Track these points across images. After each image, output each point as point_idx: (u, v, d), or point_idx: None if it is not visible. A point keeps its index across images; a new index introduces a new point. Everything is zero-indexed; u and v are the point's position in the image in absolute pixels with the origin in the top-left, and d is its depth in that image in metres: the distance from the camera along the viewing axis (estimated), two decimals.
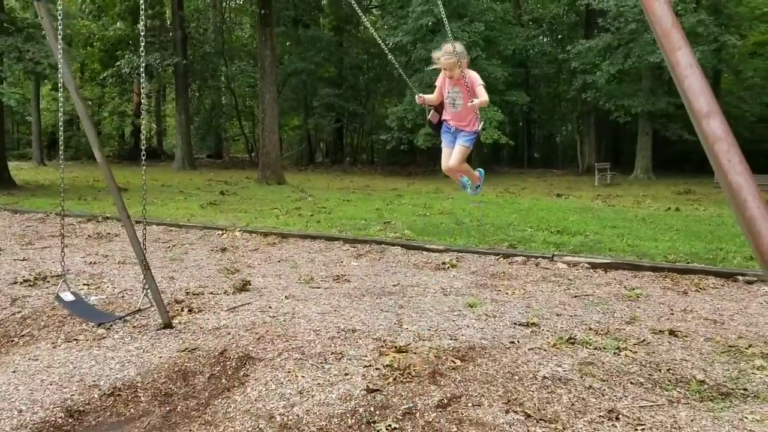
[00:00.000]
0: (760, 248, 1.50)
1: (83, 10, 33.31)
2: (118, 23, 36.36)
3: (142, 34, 4.46)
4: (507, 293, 6.15)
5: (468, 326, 5.00)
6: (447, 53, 4.45)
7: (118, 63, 30.95)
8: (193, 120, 37.10)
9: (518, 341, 4.61)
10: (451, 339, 4.67)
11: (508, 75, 27.08)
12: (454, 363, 4.15)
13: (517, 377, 3.90)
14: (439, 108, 4.80)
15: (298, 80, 36.06)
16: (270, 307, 5.48)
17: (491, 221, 11.27)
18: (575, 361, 4.18)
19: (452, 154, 4.72)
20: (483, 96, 4.44)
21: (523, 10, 37.47)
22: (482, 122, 4.75)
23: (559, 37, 37.41)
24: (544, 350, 4.40)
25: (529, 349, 4.42)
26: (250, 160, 38.87)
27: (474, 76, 4.53)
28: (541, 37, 35.60)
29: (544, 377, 3.89)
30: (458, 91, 4.57)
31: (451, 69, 4.51)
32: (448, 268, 7.39)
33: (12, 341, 4.71)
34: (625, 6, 22.21)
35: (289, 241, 9.23)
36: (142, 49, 4.43)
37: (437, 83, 4.74)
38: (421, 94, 4.68)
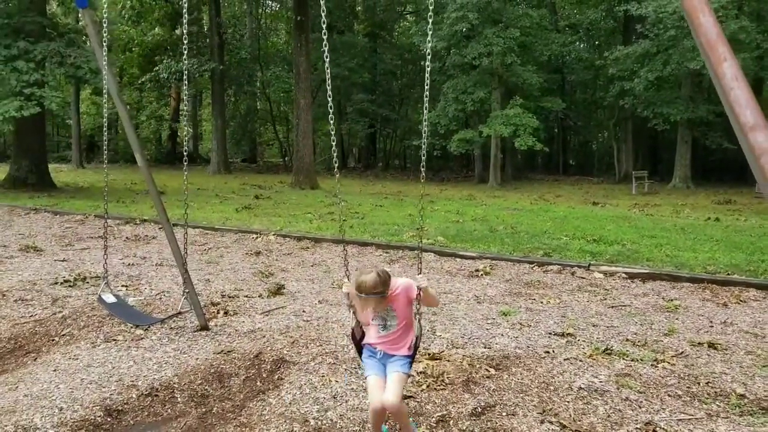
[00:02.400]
0: None
1: (123, 16, 34.05)
2: (156, 29, 37.10)
3: (185, 41, 4.53)
4: (542, 302, 6.09)
5: (502, 335, 4.97)
6: (372, 292, 3.07)
7: (157, 68, 31.56)
8: (228, 125, 37.62)
9: (553, 351, 4.56)
10: (485, 347, 4.64)
11: (543, 81, 26.86)
12: (488, 371, 4.12)
13: (552, 387, 3.86)
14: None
15: (332, 86, 36.23)
16: (304, 311, 5.52)
17: (525, 229, 11.17)
18: (612, 373, 4.12)
19: (388, 386, 3.05)
20: (433, 297, 3.29)
21: (560, 16, 37.14)
22: (418, 330, 3.24)
23: (597, 43, 36.96)
24: (580, 361, 4.34)
25: (564, 360, 4.37)
26: (284, 165, 39.24)
27: (406, 285, 3.21)
28: (577, 43, 35.21)
29: (580, 388, 3.84)
30: (390, 311, 3.19)
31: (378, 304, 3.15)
32: (482, 275, 7.35)
33: (53, 340, 4.83)
34: (664, 12, 21.83)
35: (323, 246, 9.29)
36: (184, 57, 4.50)
37: (352, 306, 3.37)
38: (347, 282, 3.43)
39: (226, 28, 33.74)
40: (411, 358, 3.21)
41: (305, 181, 22.24)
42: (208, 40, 32.25)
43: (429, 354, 4.41)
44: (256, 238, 9.85)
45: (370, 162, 39.65)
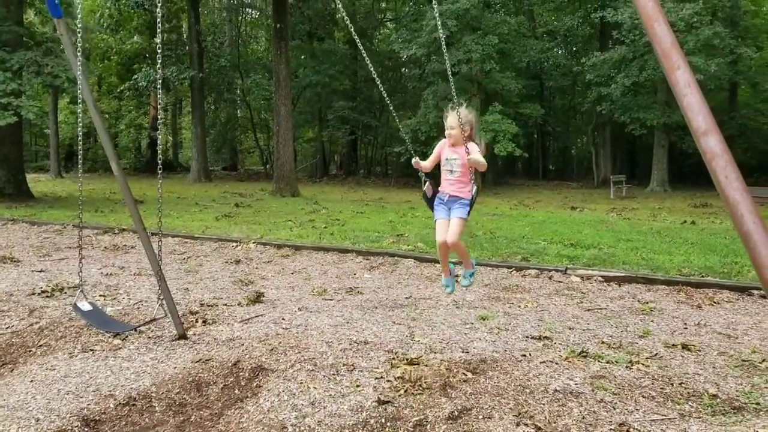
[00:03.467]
0: (756, 261, 1.53)
1: (101, 24, 33.82)
2: (135, 37, 36.89)
3: (159, 48, 4.54)
4: (519, 306, 6.15)
5: (480, 339, 5.02)
6: (451, 125, 4.29)
7: (135, 76, 31.37)
8: (208, 132, 37.47)
9: (530, 354, 4.62)
10: (462, 351, 4.68)
11: (522, 87, 27.14)
12: (466, 375, 4.16)
13: (528, 390, 3.91)
14: (432, 184, 4.51)
15: (312, 93, 36.34)
16: (283, 319, 5.53)
17: (504, 234, 11.27)
18: (587, 375, 4.18)
19: (449, 228, 4.30)
20: (478, 162, 4.19)
21: (538, 23, 37.56)
22: (476, 187, 4.40)
23: (574, 49, 37.42)
24: (556, 363, 4.40)
25: (540, 362, 4.43)
26: (265, 173, 39.13)
27: (474, 147, 4.25)
28: (555, 50, 35.61)
29: (556, 390, 3.90)
30: (456, 158, 4.31)
31: (456, 139, 4.32)
32: (461, 280, 7.39)
33: (30, 351, 4.79)
34: (639, 19, 22.22)
35: (303, 253, 9.29)
36: (159, 64, 4.51)
37: (435, 150, 4.52)
38: (417, 159, 4.44)
39: (205, 36, 33.63)
40: (470, 206, 4.29)
41: (286, 188, 22.23)
42: (187, 48, 32.15)
43: (407, 359, 4.44)
44: (236, 246, 9.83)
45: (351, 169, 39.68)
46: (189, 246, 9.94)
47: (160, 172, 4.65)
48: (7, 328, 5.32)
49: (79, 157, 4.48)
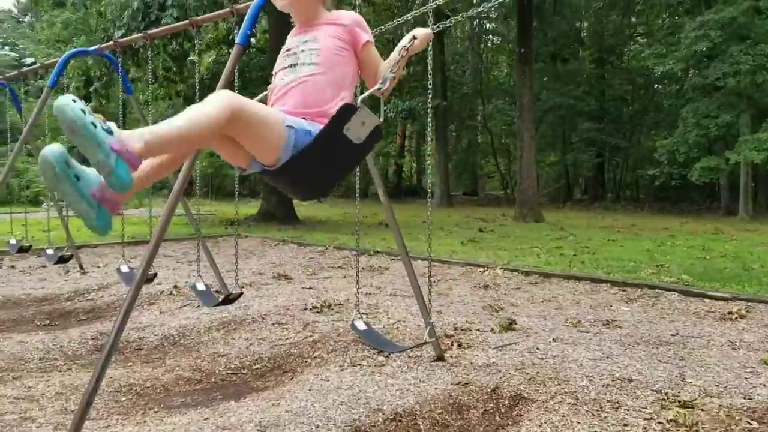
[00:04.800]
0: None
1: None
2: None
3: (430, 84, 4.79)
4: None
5: (764, 385, 4.41)
6: None
7: (385, 107, 33.52)
8: (450, 158, 38.63)
9: None
10: (743, 398, 4.15)
11: None
12: (750, 424, 3.68)
13: None
14: None
15: (555, 116, 35.59)
16: (538, 349, 5.41)
17: None
18: None
19: None
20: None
21: None
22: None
23: None
24: None
25: None
26: (506, 197, 39.12)
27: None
28: None
29: None
30: None
31: None
32: (736, 318, 6.59)
33: (306, 362, 5.30)
34: None
35: (552, 281, 9.04)
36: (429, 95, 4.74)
37: None
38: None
39: (449, 65, 34.91)
40: None
41: (529, 213, 21.94)
42: (431, 78, 33.63)
43: (679, 401, 4.05)
44: (483, 271, 9.92)
45: (598, 193, 37.87)
46: (438, 269, 10.27)
47: (429, 200, 4.88)
48: (287, 339, 5.97)
49: (357, 187, 4.87)
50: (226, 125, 2.03)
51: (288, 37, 2.94)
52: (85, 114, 1.76)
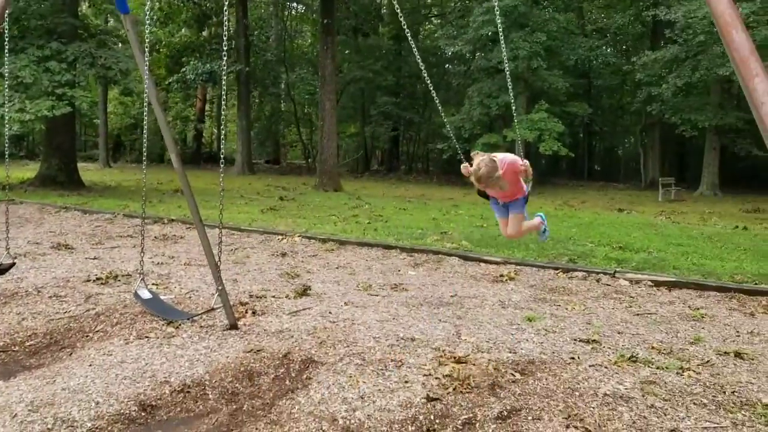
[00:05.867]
0: None
1: (151, 17, 34.53)
2: (183, 30, 37.56)
3: (219, 43, 4.64)
4: (567, 308, 6.10)
5: (527, 340, 5.00)
6: (488, 181, 3.98)
7: (184, 69, 31.94)
8: (253, 126, 37.95)
9: (579, 357, 4.58)
10: (510, 352, 4.67)
11: (569, 86, 26.72)
12: (514, 376, 4.16)
13: (577, 393, 3.89)
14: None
15: (356, 88, 36.49)
16: (330, 313, 5.60)
17: (550, 234, 11.13)
18: (637, 380, 4.13)
19: (509, 224, 4.52)
20: (527, 172, 4.12)
21: (587, 20, 36.87)
22: (530, 183, 4.39)
23: (624, 47, 36.64)
24: (605, 367, 4.36)
25: (589, 366, 4.39)
26: (307, 167, 39.46)
27: (511, 161, 4.08)
28: (605, 48, 34.93)
29: (605, 394, 3.86)
30: (503, 183, 4.09)
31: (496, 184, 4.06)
32: (506, 280, 7.37)
33: (87, 336, 4.96)
34: (693, 17, 21.57)
35: (347, 248, 9.36)
36: (224, 58, 4.60)
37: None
38: (467, 165, 4.19)
39: (252, 30, 34.05)
40: (525, 200, 4.40)
41: (329, 183, 22.39)
42: (234, 42, 32.62)
43: (454, 357, 4.46)
44: (282, 239, 9.97)
45: (392, 165, 39.69)
46: (236, 238, 10.12)
47: (222, 165, 4.77)
48: (65, 313, 5.52)
49: (144, 150, 4.62)
50: None
51: None
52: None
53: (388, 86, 35.87)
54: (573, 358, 4.55)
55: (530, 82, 25.59)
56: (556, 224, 13.01)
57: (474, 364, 4.34)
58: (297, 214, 13.81)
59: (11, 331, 5.02)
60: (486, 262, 8.39)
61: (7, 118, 14.74)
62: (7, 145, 6.05)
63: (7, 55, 5.64)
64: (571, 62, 29.31)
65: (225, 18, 4.63)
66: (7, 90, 15.24)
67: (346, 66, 35.74)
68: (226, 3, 4.91)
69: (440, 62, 37.34)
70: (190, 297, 6.07)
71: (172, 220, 11.72)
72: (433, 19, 39.68)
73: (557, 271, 7.88)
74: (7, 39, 5.27)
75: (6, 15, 4.39)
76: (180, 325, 5.05)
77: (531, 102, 25.93)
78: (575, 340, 5.03)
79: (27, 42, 16.48)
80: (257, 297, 6.13)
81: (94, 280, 6.71)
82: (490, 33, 24.33)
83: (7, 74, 13.16)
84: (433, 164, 40.66)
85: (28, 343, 4.80)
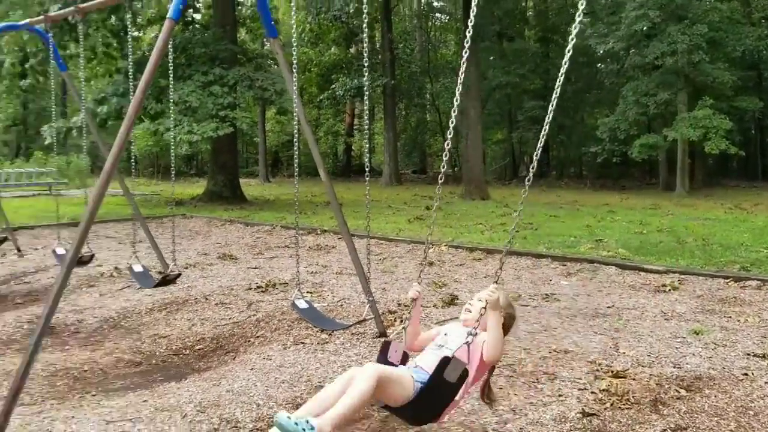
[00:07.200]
0: None
1: (303, 39, 36.45)
2: (332, 48, 39.23)
3: (365, 59, 4.79)
4: (739, 320, 5.56)
5: (693, 354, 4.62)
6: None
7: (333, 86, 33.31)
8: (399, 137, 38.69)
9: (752, 373, 4.16)
10: (674, 367, 4.34)
11: (736, 79, 24.46)
12: (678, 392, 3.86)
13: (751, 412, 3.54)
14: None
15: (501, 94, 35.97)
16: None
17: (719, 241, 10.26)
18: None
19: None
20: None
21: (754, 8, 33.64)
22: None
23: None
24: None
25: (765, 383, 3.98)
26: (453, 175, 39.48)
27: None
28: None
29: None
30: (461, 335, 3.02)
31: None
32: (669, 290, 6.87)
33: (249, 341, 5.29)
34: None
35: (495, 257, 9.21)
36: (366, 73, 4.75)
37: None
38: (415, 288, 3.29)
39: (397, 44, 34.81)
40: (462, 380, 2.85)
41: (475, 191, 22.21)
42: (380, 57, 33.52)
43: (612, 372, 4.22)
44: (430, 248, 10.02)
45: (542, 171, 38.59)
46: (384, 247, 10.33)
47: (367, 177, 4.90)
48: (230, 319, 5.93)
49: (296, 165, 4.85)
50: (376, 391, 2.63)
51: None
52: (297, 425, 2.37)
53: (535, 90, 35.01)
54: (746, 374, 4.13)
55: (692, 77, 23.77)
56: (725, 230, 11.95)
57: (634, 379, 4.08)
58: (444, 223, 13.82)
59: (183, 336, 5.48)
60: (646, 271, 7.88)
61: (177, 139, 16.20)
62: (173, 164, 6.62)
63: (171, 83, 6.20)
64: (737, 54, 26.80)
65: (364, 36, 4.79)
66: (176, 114, 16.77)
67: (491, 72, 35.37)
68: (365, 22, 5.05)
69: (591, 62, 35.84)
70: (341, 305, 6.27)
71: (325, 230, 12.22)
72: (580, 17, 38.20)
73: (728, 280, 7.21)
74: (171, 67, 5.78)
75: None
76: (333, 332, 5.23)
77: (693, 98, 24.06)
78: (749, 354, 4.57)
79: (193, 69, 18.07)
80: (405, 306, 6.19)
81: (255, 288, 7.15)
82: (644, 27, 22.94)
83: (176, 99, 14.47)
84: (585, 168, 38.97)
85: (197, 347, 5.21)
